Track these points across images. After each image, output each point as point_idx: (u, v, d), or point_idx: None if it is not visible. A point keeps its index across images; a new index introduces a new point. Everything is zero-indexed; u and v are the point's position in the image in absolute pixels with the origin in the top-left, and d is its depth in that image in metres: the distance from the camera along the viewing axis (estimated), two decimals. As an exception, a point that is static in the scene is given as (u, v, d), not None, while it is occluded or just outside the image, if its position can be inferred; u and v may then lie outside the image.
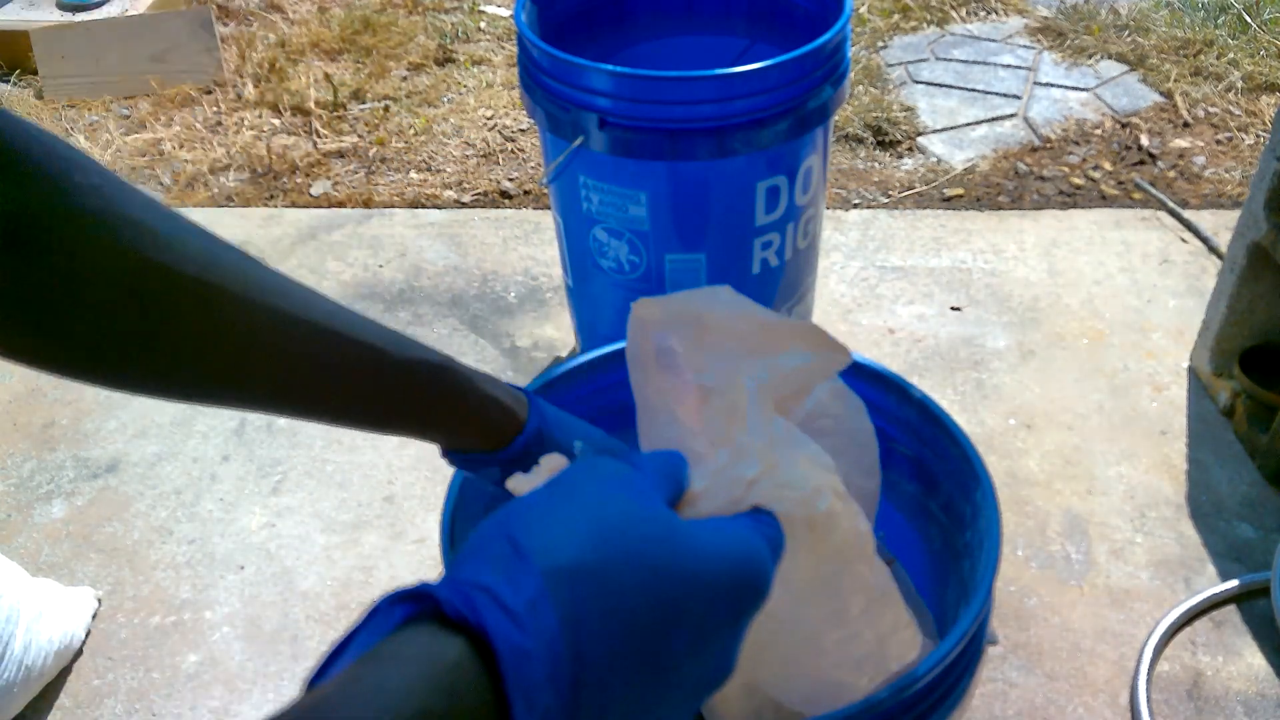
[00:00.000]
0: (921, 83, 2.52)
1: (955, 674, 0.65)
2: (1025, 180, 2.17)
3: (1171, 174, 2.16)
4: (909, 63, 2.61)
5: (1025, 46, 2.66)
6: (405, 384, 0.53)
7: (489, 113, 2.46)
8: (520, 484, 0.55)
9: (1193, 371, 1.67)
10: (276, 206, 2.17)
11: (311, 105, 2.48)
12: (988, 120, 2.37)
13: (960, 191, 2.14)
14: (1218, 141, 2.26)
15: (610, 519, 0.34)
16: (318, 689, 0.28)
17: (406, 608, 0.31)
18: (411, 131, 2.40)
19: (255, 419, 1.67)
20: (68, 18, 2.64)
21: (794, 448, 0.52)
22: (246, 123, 2.45)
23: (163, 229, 0.43)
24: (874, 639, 0.58)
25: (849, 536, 0.52)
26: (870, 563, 0.56)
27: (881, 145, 2.30)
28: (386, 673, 0.28)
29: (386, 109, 2.49)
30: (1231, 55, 2.50)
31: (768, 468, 0.48)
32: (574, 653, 0.30)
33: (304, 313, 0.48)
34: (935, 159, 2.25)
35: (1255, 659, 1.27)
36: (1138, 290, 1.85)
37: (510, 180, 2.24)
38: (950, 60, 2.61)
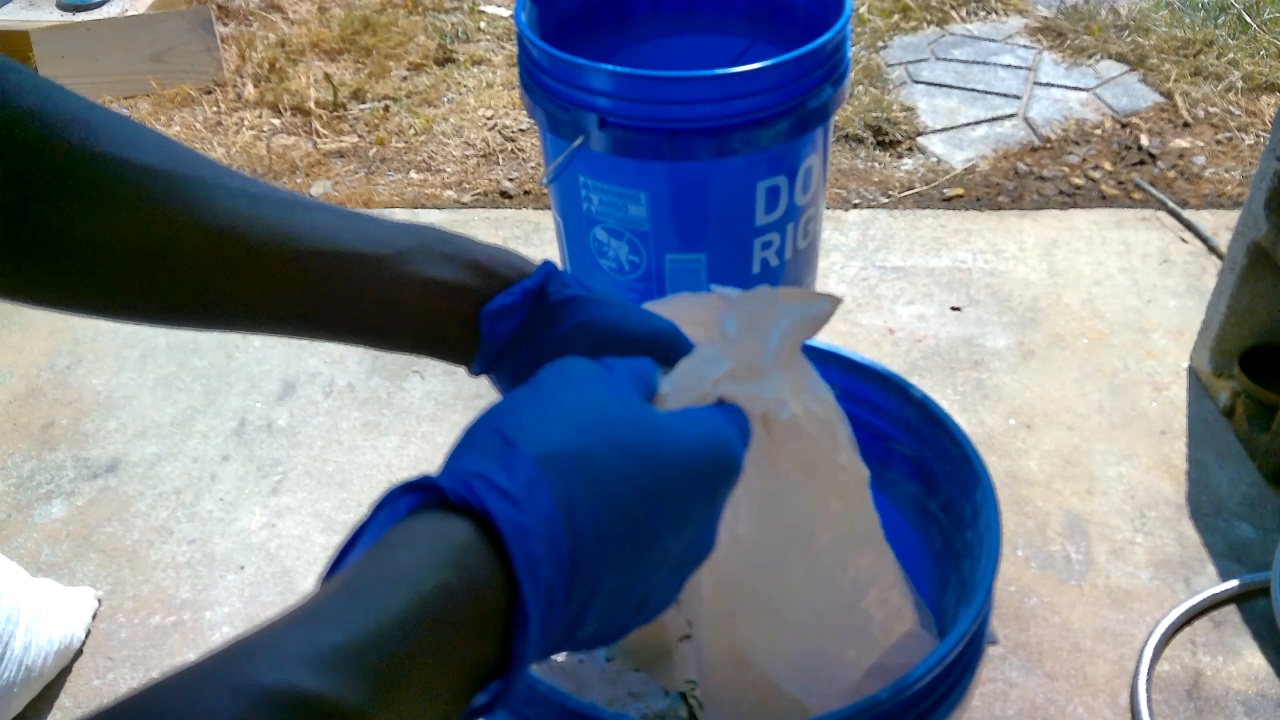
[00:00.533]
0: (921, 83, 2.52)
1: (955, 674, 0.65)
2: (1025, 180, 2.17)
3: (1171, 174, 2.16)
4: (909, 63, 2.61)
5: (1025, 46, 2.66)
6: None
7: (489, 113, 2.46)
8: None
9: (1193, 371, 1.67)
10: (276, 206, 2.17)
11: (311, 105, 2.48)
12: (988, 120, 2.37)
13: (960, 191, 2.14)
14: (1218, 141, 2.26)
15: (589, 409, 0.37)
16: (336, 578, 0.30)
17: (411, 499, 0.32)
18: (411, 131, 2.40)
19: (254, 419, 1.67)
20: (68, 18, 2.64)
21: (803, 376, 0.54)
22: (246, 123, 2.45)
23: (123, 131, 0.41)
24: (849, 586, 0.59)
25: (815, 455, 0.54)
26: (846, 499, 0.57)
27: (881, 145, 2.30)
28: (402, 555, 0.30)
29: (386, 109, 2.49)
30: (1231, 55, 2.50)
31: (731, 372, 0.49)
32: (569, 529, 0.32)
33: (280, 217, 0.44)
34: (935, 159, 2.25)
35: (1255, 659, 1.27)
36: (1138, 290, 1.85)
37: (510, 180, 2.24)
38: (950, 60, 2.61)
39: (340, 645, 0.27)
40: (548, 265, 0.51)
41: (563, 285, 0.51)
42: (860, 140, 2.31)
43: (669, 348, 0.52)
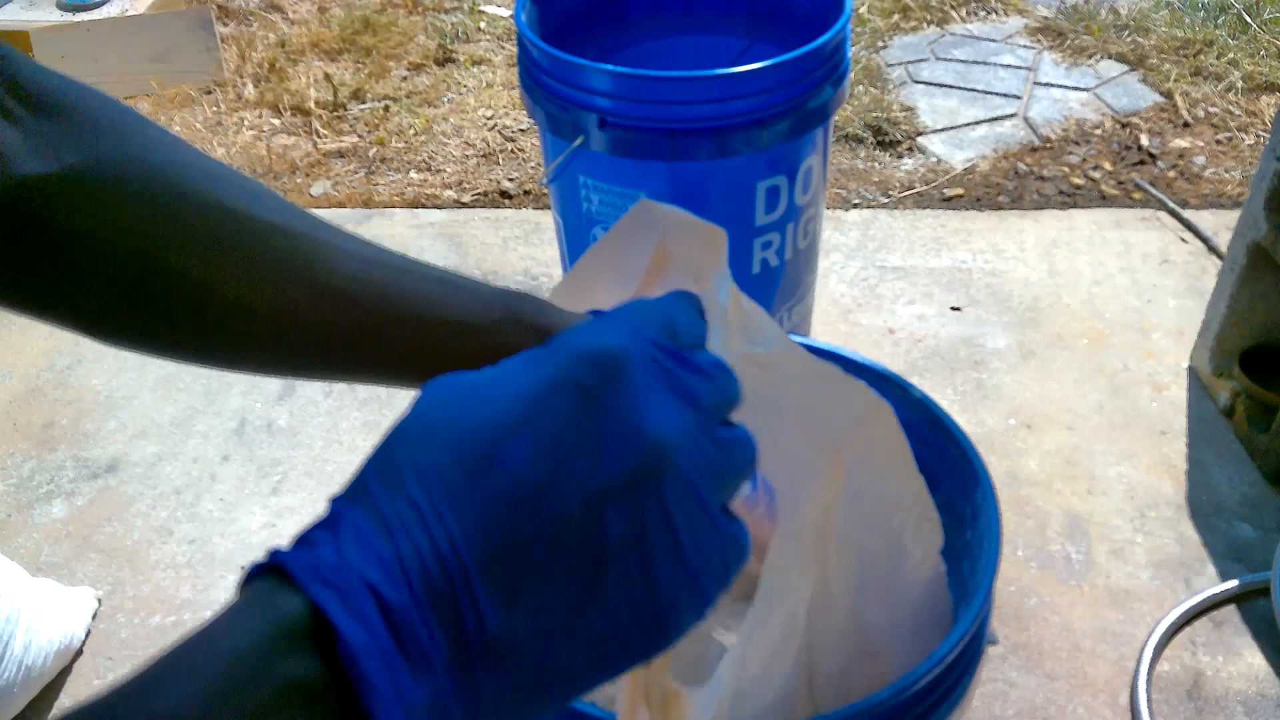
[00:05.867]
0: (921, 83, 2.52)
1: (955, 674, 0.65)
2: (1025, 180, 2.17)
3: (1171, 174, 2.16)
4: (909, 63, 2.61)
5: (1025, 46, 2.66)
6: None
7: (489, 113, 2.46)
8: None
9: (1193, 371, 1.67)
10: (276, 206, 2.18)
11: (311, 105, 2.48)
12: (988, 120, 2.37)
13: (960, 191, 2.14)
14: (1218, 141, 2.26)
15: (439, 397, 0.30)
16: (179, 641, 0.26)
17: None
18: (411, 131, 2.40)
19: (254, 419, 1.67)
20: (68, 18, 2.64)
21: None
22: (246, 123, 2.45)
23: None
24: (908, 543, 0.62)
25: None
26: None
27: (881, 145, 2.30)
28: (218, 618, 0.25)
29: (386, 109, 2.49)
30: (1231, 55, 2.50)
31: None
32: (379, 522, 0.26)
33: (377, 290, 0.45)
34: (935, 159, 2.25)
35: (1255, 659, 1.27)
36: (1138, 290, 1.85)
37: (510, 180, 2.24)
38: (950, 60, 2.61)
39: (162, 712, 0.24)
40: None
41: None
42: (860, 140, 2.31)
43: None
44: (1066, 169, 2.20)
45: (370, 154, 2.34)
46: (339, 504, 0.27)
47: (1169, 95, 2.41)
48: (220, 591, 1.41)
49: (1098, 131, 2.31)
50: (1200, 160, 2.20)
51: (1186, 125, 2.31)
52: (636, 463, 0.28)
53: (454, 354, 0.47)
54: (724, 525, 0.29)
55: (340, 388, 1.72)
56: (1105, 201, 2.10)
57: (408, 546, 0.25)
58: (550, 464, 0.27)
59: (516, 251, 2.00)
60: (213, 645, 0.25)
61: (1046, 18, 2.76)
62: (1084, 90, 2.46)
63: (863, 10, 2.81)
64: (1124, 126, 2.32)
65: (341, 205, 2.17)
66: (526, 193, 2.20)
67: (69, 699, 1.29)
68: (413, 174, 2.27)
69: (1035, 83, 2.51)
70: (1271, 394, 1.52)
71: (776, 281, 1.40)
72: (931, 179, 2.18)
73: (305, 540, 0.26)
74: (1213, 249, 1.93)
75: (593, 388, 0.28)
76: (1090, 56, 2.58)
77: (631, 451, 0.28)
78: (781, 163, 1.27)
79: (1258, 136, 2.25)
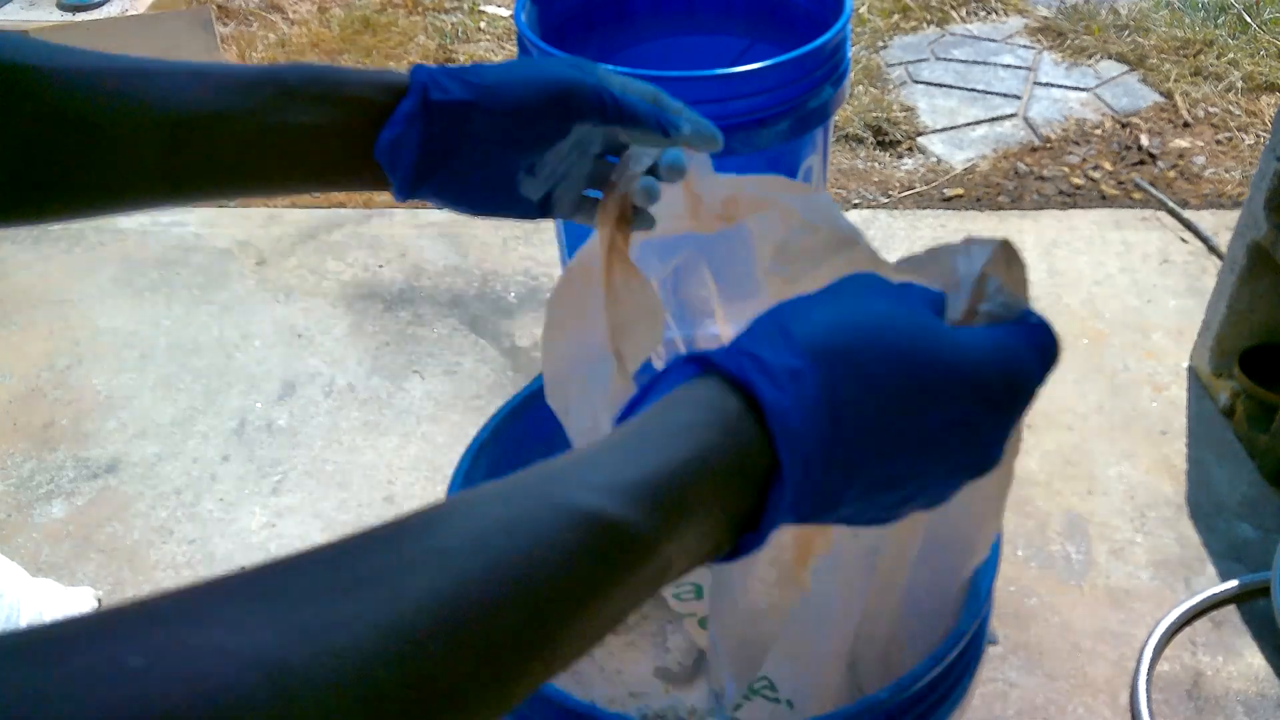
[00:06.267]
0: (921, 83, 2.52)
1: (955, 674, 0.65)
2: (1025, 180, 2.17)
3: (1171, 174, 2.16)
4: (909, 63, 2.61)
5: (1025, 46, 2.66)
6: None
7: (489, 113, 2.46)
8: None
9: (1193, 371, 1.67)
10: (277, 206, 2.17)
11: (311, 105, 2.48)
12: (988, 120, 2.37)
13: (960, 191, 2.14)
14: (1218, 141, 2.26)
15: (872, 316, 0.38)
16: (628, 423, 0.35)
17: (693, 368, 0.37)
18: (411, 131, 2.40)
19: (254, 419, 1.67)
20: (68, 18, 2.64)
21: None
22: (246, 123, 2.45)
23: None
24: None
25: None
26: None
27: (881, 145, 2.30)
28: (684, 414, 0.35)
29: (386, 109, 2.49)
30: (1231, 55, 2.50)
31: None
32: (831, 416, 0.35)
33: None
34: (935, 159, 2.25)
35: (1255, 659, 1.27)
36: (1138, 290, 1.85)
37: (510, 180, 2.24)
38: (950, 60, 2.61)
39: (636, 481, 0.32)
40: (418, 74, 0.50)
41: (443, 90, 0.50)
42: (860, 140, 2.31)
43: (573, 98, 0.52)
44: (1066, 169, 2.20)
45: (370, 154, 2.34)
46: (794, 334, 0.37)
47: (1169, 95, 2.41)
48: (220, 591, 1.41)
49: (1098, 131, 2.31)
50: (1200, 160, 2.20)
51: (1186, 125, 2.31)
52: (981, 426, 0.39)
53: (225, 149, 0.45)
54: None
55: (340, 387, 1.72)
56: (1105, 201, 2.10)
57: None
58: (948, 431, 0.37)
59: (517, 252, 2.01)
60: (678, 424, 0.34)
61: (1046, 18, 2.76)
62: (1084, 90, 2.46)
63: (863, 10, 2.81)
64: (1124, 126, 2.32)
65: (342, 205, 2.17)
66: (526, 193, 2.20)
67: (69, 699, 1.28)
68: (413, 174, 2.27)
69: (1035, 83, 2.51)
70: (1271, 394, 1.52)
71: (776, 281, 1.40)
72: (931, 179, 2.18)
73: (766, 375, 0.35)
74: (1213, 249, 1.93)
75: (1002, 405, 0.39)
76: (1090, 56, 2.58)
77: (998, 448, 0.40)
78: (781, 163, 1.27)
79: (1258, 136, 2.25)
